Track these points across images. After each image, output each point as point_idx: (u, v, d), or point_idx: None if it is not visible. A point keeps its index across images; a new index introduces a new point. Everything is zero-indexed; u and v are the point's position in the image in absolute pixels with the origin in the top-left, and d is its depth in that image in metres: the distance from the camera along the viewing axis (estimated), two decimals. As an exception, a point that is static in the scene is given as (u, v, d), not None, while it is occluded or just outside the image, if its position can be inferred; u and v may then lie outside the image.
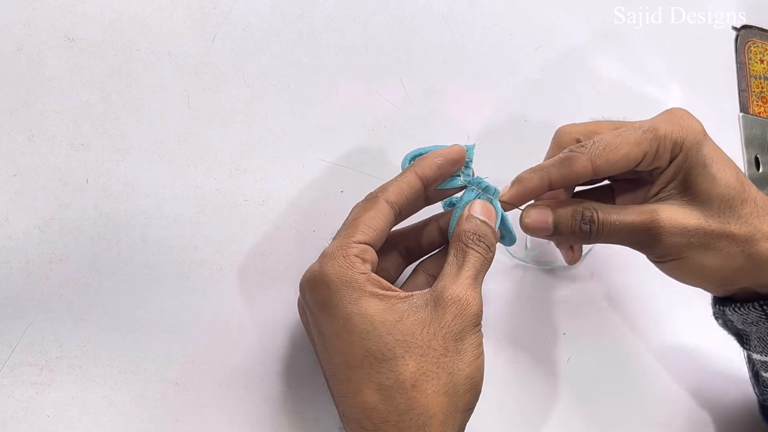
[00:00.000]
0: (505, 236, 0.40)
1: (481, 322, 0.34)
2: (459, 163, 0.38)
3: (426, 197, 0.39)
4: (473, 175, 0.39)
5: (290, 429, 0.41)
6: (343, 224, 0.36)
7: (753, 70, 0.62)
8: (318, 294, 0.33)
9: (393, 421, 0.31)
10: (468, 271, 0.34)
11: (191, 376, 0.40)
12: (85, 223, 0.39)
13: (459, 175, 0.38)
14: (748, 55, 0.62)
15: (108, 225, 0.40)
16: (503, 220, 0.38)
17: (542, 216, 0.38)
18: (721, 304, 0.41)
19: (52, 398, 0.37)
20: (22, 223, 0.38)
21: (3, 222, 0.38)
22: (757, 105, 0.61)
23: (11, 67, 0.40)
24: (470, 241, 0.35)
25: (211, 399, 0.40)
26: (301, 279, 0.35)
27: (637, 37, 0.58)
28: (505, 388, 0.46)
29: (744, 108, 0.60)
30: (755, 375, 0.44)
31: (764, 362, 0.41)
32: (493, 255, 0.36)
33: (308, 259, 0.43)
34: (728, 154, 0.39)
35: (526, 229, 0.38)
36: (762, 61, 0.62)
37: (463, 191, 0.39)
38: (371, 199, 0.35)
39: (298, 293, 0.37)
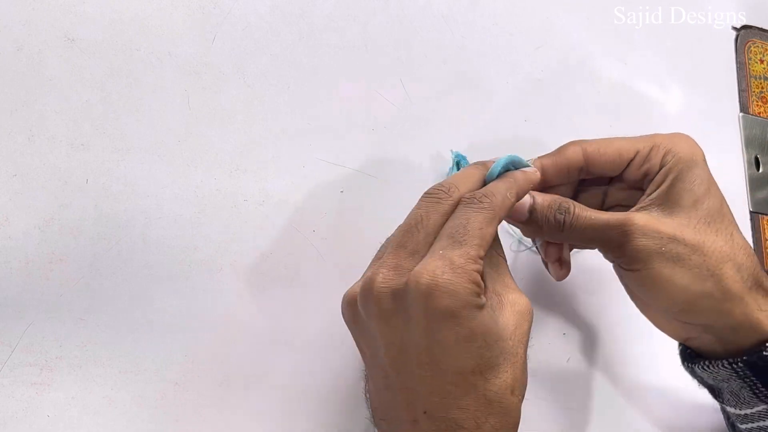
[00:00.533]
0: None
1: None
2: None
3: None
4: None
5: (290, 428, 0.41)
6: (461, 225, 0.34)
7: (753, 70, 0.62)
8: (445, 302, 0.32)
9: (492, 422, 0.32)
10: (510, 277, 0.36)
11: (191, 376, 0.40)
12: (85, 223, 0.39)
13: None
14: (748, 55, 0.62)
15: (108, 225, 0.40)
16: None
17: (523, 199, 0.38)
18: (690, 361, 0.41)
19: (52, 398, 0.37)
20: (22, 223, 0.38)
21: (3, 222, 0.38)
22: (757, 105, 0.61)
23: (11, 67, 0.40)
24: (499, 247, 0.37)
25: (211, 399, 0.40)
26: (422, 277, 0.32)
27: (637, 37, 0.58)
28: (505, 388, 0.46)
29: (744, 108, 0.60)
30: (732, 426, 0.43)
31: (739, 415, 0.40)
32: None
33: (308, 259, 0.43)
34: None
35: None
36: (762, 61, 0.62)
37: None
38: (491, 212, 0.34)
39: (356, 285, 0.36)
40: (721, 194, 0.38)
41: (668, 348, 0.47)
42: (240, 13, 0.46)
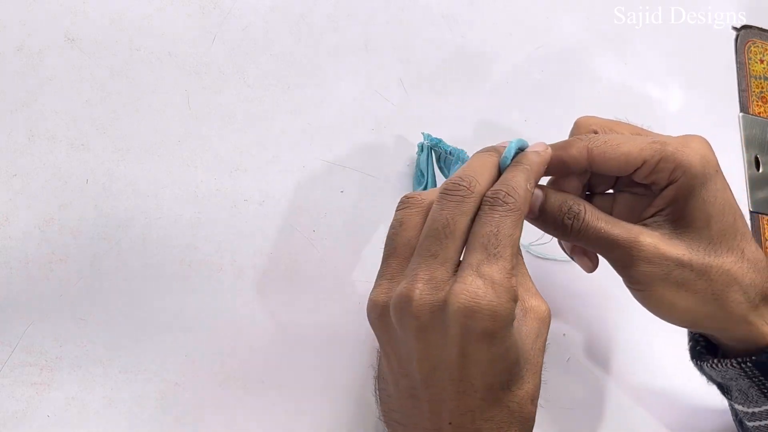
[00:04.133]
0: None
1: None
2: None
3: None
4: None
5: (291, 428, 0.41)
6: (492, 234, 0.32)
7: (753, 70, 0.62)
8: (485, 324, 0.31)
9: (513, 430, 0.33)
10: (529, 279, 0.35)
11: (191, 376, 0.40)
12: (85, 223, 0.39)
13: None
14: (748, 55, 0.62)
15: (108, 225, 0.40)
16: None
17: (535, 194, 0.37)
18: (698, 359, 0.41)
19: (52, 398, 0.37)
20: (22, 223, 0.38)
21: (3, 222, 0.38)
22: (757, 105, 0.61)
23: (11, 67, 0.40)
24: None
25: (211, 399, 0.40)
26: (462, 297, 0.31)
27: (637, 37, 0.58)
28: (505, 388, 0.46)
29: (744, 108, 0.60)
30: (740, 422, 0.43)
31: (747, 413, 0.40)
32: None
33: (308, 259, 0.43)
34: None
35: None
36: (762, 61, 0.62)
37: None
38: (518, 213, 0.33)
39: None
40: (736, 206, 0.37)
41: (668, 348, 0.47)
42: (240, 13, 0.46)
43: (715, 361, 0.39)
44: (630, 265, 0.36)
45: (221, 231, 0.42)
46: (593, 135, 0.37)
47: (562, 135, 0.42)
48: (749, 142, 0.59)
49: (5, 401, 0.37)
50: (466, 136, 0.50)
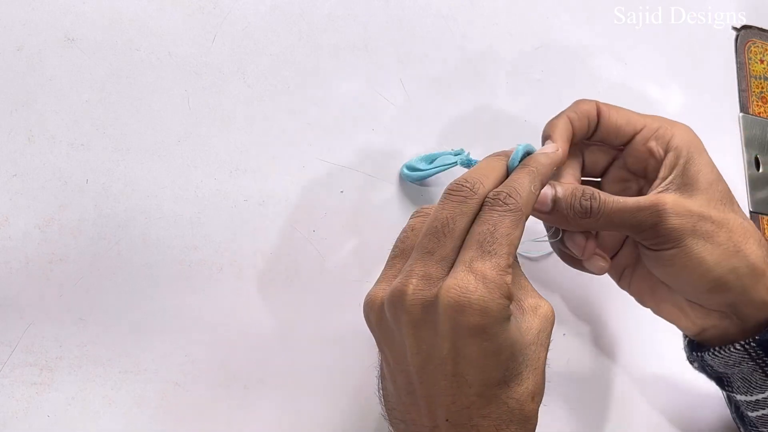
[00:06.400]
0: None
1: None
2: None
3: None
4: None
5: (290, 429, 0.41)
6: (489, 232, 0.32)
7: (753, 70, 0.62)
8: (476, 319, 0.31)
9: (512, 429, 0.32)
10: (525, 279, 0.35)
11: (191, 376, 0.40)
12: (85, 223, 0.39)
13: None
14: (748, 55, 0.62)
15: (108, 225, 0.40)
16: None
17: (544, 190, 0.38)
18: (699, 350, 0.41)
19: (52, 398, 0.37)
20: (22, 223, 0.38)
21: (3, 222, 0.38)
22: (757, 105, 0.61)
23: (11, 67, 0.40)
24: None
25: (211, 399, 0.40)
26: (453, 292, 0.31)
27: (637, 37, 0.58)
28: (505, 388, 0.46)
29: (744, 108, 0.60)
30: (740, 417, 0.43)
31: (749, 402, 0.40)
32: None
33: (308, 259, 0.43)
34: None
35: None
36: (762, 61, 0.62)
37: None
38: (517, 214, 0.33)
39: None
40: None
41: (668, 347, 0.47)
42: (240, 13, 0.46)
43: (718, 348, 0.39)
44: (657, 223, 0.37)
45: (221, 231, 0.42)
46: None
47: (562, 135, 0.42)
48: (749, 142, 0.59)
49: (5, 401, 0.37)
50: (466, 136, 0.50)
